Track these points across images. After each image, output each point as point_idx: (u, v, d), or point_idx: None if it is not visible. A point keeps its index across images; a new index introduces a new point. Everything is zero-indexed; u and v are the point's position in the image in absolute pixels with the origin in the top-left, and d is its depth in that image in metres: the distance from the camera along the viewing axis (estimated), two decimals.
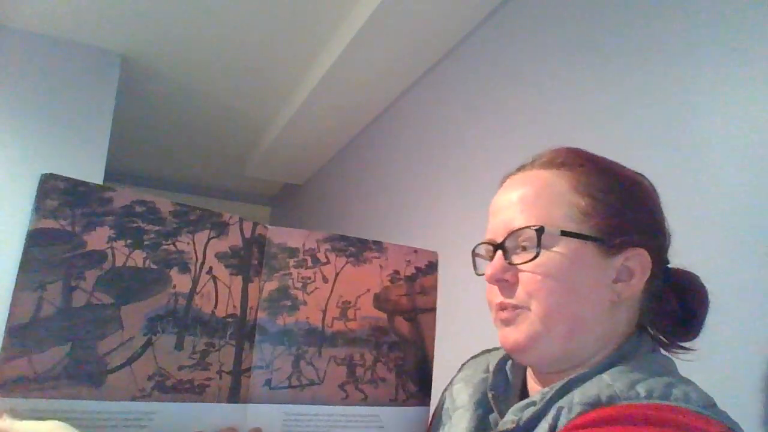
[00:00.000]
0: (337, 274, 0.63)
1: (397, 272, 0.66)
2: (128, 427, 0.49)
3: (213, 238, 0.57)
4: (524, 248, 0.53)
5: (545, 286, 0.51)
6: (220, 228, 0.57)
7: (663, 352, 0.55)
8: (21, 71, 1.80)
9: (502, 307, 0.54)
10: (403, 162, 2.01)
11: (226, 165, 2.99)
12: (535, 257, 0.51)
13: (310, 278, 0.62)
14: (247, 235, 0.60)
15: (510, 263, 0.53)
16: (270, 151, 2.60)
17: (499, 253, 0.54)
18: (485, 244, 0.57)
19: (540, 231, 0.51)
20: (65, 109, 1.83)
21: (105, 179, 1.84)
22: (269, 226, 0.62)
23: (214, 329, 0.55)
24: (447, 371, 0.67)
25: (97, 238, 0.50)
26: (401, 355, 0.63)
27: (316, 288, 0.62)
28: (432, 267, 0.68)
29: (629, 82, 1.10)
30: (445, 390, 0.64)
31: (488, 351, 0.66)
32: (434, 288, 0.68)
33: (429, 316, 0.67)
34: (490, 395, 0.57)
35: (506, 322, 0.54)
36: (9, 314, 0.46)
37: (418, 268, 0.67)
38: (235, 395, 0.55)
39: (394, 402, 0.61)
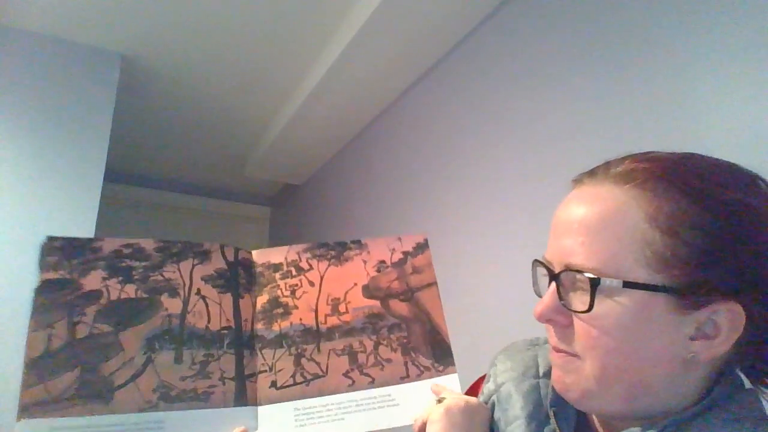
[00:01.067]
0: (321, 277, 0.67)
1: (382, 262, 0.69)
2: None
3: (197, 264, 0.64)
4: (582, 289, 0.45)
5: (601, 344, 0.43)
6: (203, 256, 0.65)
7: (747, 384, 0.47)
8: (21, 71, 1.80)
9: (555, 350, 0.48)
10: (402, 162, 2.01)
11: (226, 165, 2.99)
12: (588, 310, 0.43)
13: (297, 285, 0.67)
14: (230, 258, 0.66)
15: (564, 305, 0.46)
16: (270, 151, 2.60)
17: (553, 287, 0.47)
18: (543, 265, 0.49)
19: (595, 283, 0.42)
20: (65, 109, 1.83)
21: (105, 179, 1.84)
22: (251, 251, 0.68)
23: (210, 341, 0.61)
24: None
25: (92, 280, 0.60)
26: (404, 334, 0.65)
27: (304, 292, 0.66)
28: (421, 247, 0.70)
29: (629, 82, 1.10)
30: (488, 381, 0.60)
31: (535, 344, 0.60)
32: (428, 265, 0.69)
33: (429, 292, 0.68)
34: (551, 412, 0.52)
35: (557, 366, 0.48)
36: (25, 351, 0.55)
37: (405, 252, 0.70)
38: (242, 399, 0.60)
39: (406, 379, 0.63)
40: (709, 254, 0.41)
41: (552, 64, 1.33)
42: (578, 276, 0.44)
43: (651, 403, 0.44)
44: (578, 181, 0.50)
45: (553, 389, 0.52)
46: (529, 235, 1.31)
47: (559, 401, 0.52)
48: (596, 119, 1.17)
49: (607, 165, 0.48)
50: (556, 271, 0.47)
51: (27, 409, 0.53)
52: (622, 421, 0.47)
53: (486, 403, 0.58)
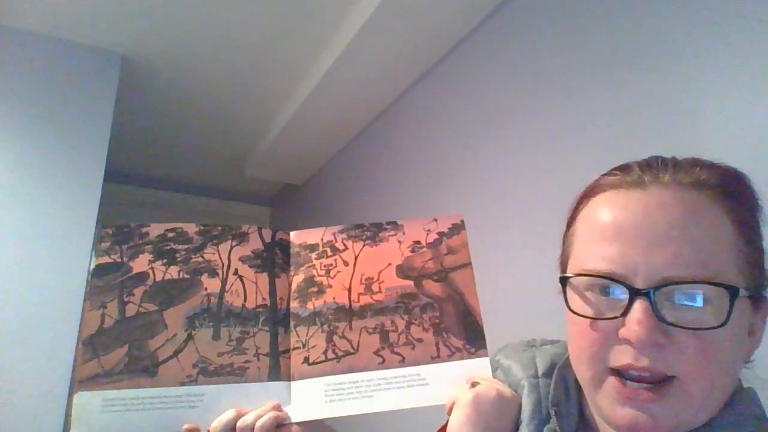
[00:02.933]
0: (356, 257, 0.68)
1: (417, 242, 0.69)
2: (182, 408, 0.58)
3: (235, 246, 0.66)
4: (683, 303, 0.41)
5: (717, 358, 0.41)
6: (241, 237, 0.67)
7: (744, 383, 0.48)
8: (21, 71, 1.80)
9: (639, 378, 0.42)
10: (402, 162, 2.01)
11: (226, 165, 2.99)
12: (723, 324, 0.40)
13: (331, 265, 0.68)
14: (267, 239, 0.68)
15: (672, 323, 0.41)
16: (270, 151, 2.60)
17: (646, 305, 0.41)
18: (606, 279, 0.44)
19: (734, 294, 0.40)
20: (65, 109, 1.83)
21: (105, 179, 1.84)
22: (290, 232, 0.71)
23: (246, 319, 0.63)
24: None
25: (140, 263, 0.64)
26: (437, 314, 0.65)
27: (339, 272, 0.67)
28: (457, 227, 0.70)
29: (629, 82, 1.10)
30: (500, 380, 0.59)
31: (532, 345, 0.61)
32: (464, 246, 0.69)
33: (463, 272, 0.68)
34: (552, 411, 0.51)
35: (643, 400, 0.42)
36: (81, 329, 0.60)
37: (441, 233, 0.70)
38: (276, 374, 0.62)
39: (437, 359, 0.63)
40: (763, 252, 0.44)
41: (552, 63, 1.33)
42: (688, 288, 0.41)
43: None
44: (638, 183, 0.46)
45: (555, 388, 0.52)
46: (528, 236, 1.31)
47: (559, 399, 0.51)
48: (596, 119, 1.17)
49: (675, 168, 0.46)
50: (647, 285, 0.42)
51: (83, 383, 0.58)
52: None
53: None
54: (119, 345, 0.60)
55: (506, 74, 1.51)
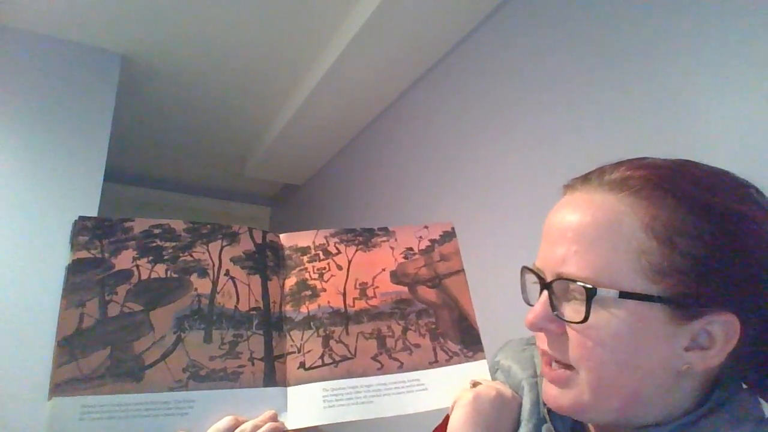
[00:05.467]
0: (349, 261, 0.67)
1: (410, 249, 0.69)
2: (171, 415, 0.54)
3: (226, 246, 0.64)
4: (575, 298, 0.44)
5: (596, 354, 0.43)
6: (231, 237, 0.64)
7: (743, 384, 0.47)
8: (21, 71, 1.80)
9: (548, 362, 0.48)
10: (402, 162, 2.01)
11: (226, 165, 2.99)
12: (583, 320, 0.42)
13: (325, 268, 0.66)
14: (258, 240, 0.66)
15: (557, 315, 0.45)
16: (270, 151, 2.60)
17: (545, 296, 0.46)
18: (533, 272, 0.49)
19: (591, 293, 0.42)
20: (65, 109, 1.83)
21: (105, 179, 1.84)
22: (279, 234, 0.68)
23: (239, 322, 0.60)
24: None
25: (123, 260, 0.60)
26: (432, 320, 0.65)
27: (332, 276, 0.66)
28: (448, 235, 0.70)
29: (629, 81, 1.10)
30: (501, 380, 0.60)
31: (531, 343, 0.61)
32: (456, 252, 0.69)
33: (457, 278, 0.68)
34: (545, 410, 0.52)
35: (550, 382, 0.47)
36: (57, 329, 0.55)
37: (432, 240, 0.70)
38: (271, 379, 0.59)
39: (435, 364, 0.62)
40: (706, 265, 0.41)
41: (551, 64, 1.33)
42: (572, 285, 0.44)
43: (643, 413, 0.44)
44: (571, 186, 0.49)
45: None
46: (523, 241, 1.31)
47: None
48: (595, 119, 1.17)
49: (601, 171, 0.47)
50: (548, 279, 0.46)
51: (59, 387, 0.53)
52: (615, 428, 0.47)
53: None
54: (101, 347, 0.55)
55: (505, 75, 1.51)
